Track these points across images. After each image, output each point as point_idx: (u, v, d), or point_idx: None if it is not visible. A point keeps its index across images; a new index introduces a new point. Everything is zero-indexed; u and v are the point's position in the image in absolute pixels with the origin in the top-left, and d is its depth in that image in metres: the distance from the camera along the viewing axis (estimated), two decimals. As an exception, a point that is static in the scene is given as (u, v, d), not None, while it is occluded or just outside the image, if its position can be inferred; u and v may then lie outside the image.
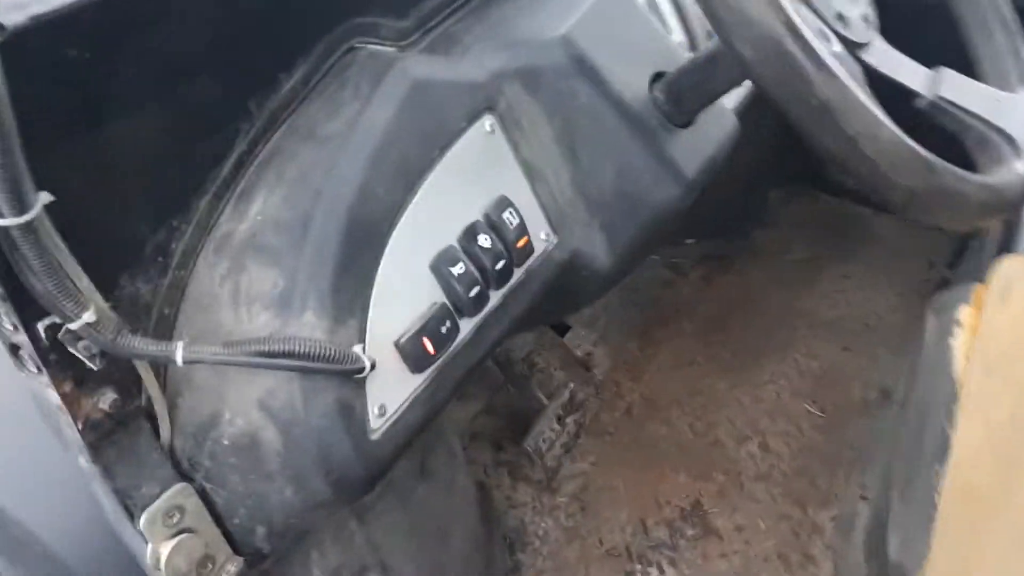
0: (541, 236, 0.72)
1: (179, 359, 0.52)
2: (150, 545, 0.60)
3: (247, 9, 0.57)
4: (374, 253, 0.59)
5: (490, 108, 0.69)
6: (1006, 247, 0.96)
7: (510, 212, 0.68)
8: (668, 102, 0.75)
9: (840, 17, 0.62)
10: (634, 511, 1.27)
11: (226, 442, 0.59)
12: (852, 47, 0.64)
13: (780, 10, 0.49)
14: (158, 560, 0.60)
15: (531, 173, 0.72)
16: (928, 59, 0.70)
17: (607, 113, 0.73)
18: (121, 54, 0.49)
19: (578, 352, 1.33)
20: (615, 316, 1.56)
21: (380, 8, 0.68)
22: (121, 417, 0.57)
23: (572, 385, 1.27)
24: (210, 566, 0.65)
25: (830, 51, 0.54)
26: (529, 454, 1.21)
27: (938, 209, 0.55)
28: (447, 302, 0.63)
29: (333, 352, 0.53)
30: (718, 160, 0.79)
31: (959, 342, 0.87)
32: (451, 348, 0.63)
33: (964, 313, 0.90)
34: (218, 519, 0.63)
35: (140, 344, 0.51)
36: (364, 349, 0.57)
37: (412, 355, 0.60)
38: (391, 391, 0.59)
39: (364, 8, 0.67)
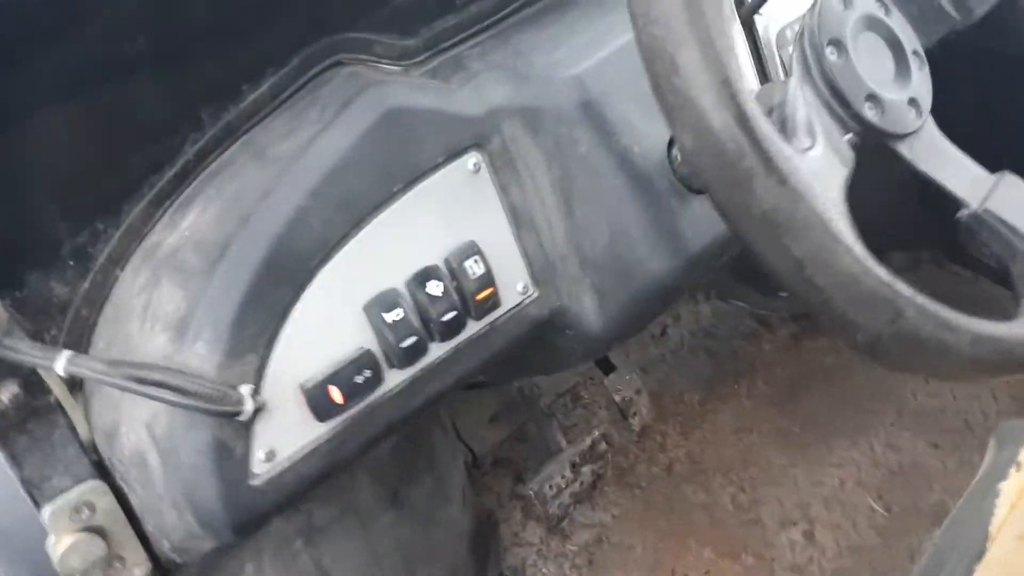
0: (517, 288, 0.66)
1: (59, 369, 0.50)
2: (51, 537, 0.60)
3: (202, 17, 0.54)
4: (293, 288, 0.55)
5: (478, 145, 0.64)
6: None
7: (475, 260, 0.62)
8: (686, 163, 0.67)
9: (873, 99, 0.52)
10: (645, 576, 1.18)
11: (126, 452, 0.57)
12: (881, 137, 0.54)
13: (731, 95, 0.41)
14: (54, 554, 0.60)
15: (519, 220, 0.66)
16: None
17: (608, 168, 0.66)
18: (33, 54, 0.47)
19: (617, 397, 1.25)
20: (683, 361, 1.47)
21: (376, 25, 0.64)
22: (32, 409, 0.57)
23: (597, 433, 1.20)
24: (118, 566, 0.64)
25: (796, 149, 0.45)
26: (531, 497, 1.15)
27: (912, 360, 0.45)
28: (375, 349, 0.59)
29: (210, 391, 0.50)
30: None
31: (1010, 487, 0.74)
32: (368, 399, 0.58)
33: (1027, 454, 0.77)
34: (134, 521, 0.62)
35: (22, 348, 0.50)
36: (257, 390, 0.53)
37: (317, 402, 0.56)
38: (286, 437, 0.56)
39: (354, 23, 0.63)
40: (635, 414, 1.27)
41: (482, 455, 1.25)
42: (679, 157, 0.67)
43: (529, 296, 0.67)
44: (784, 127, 0.48)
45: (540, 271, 0.67)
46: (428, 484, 0.95)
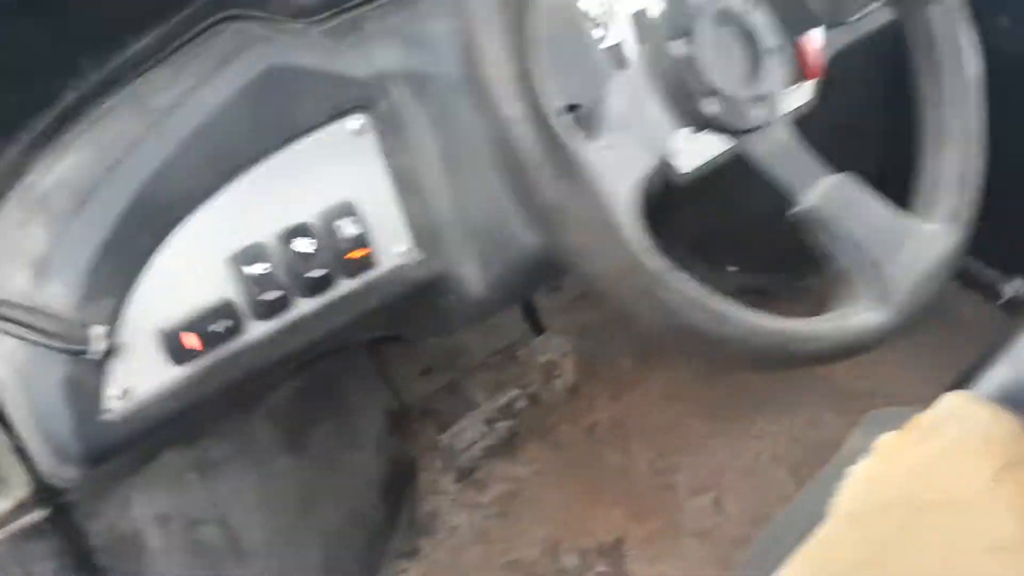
0: (398, 250, 0.69)
1: (-85, 299, 0.53)
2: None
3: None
4: (156, 236, 0.57)
5: (363, 107, 0.65)
6: (962, 378, 0.83)
7: (350, 220, 0.65)
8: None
9: (715, 94, 0.53)
10: (553, 530, 1.22)
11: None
12: (722, 131, 0.55)
13: (525, 88, 0.42)
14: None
15: (404, 183, 0.68)
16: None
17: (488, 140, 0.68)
18: None
19: (542, 358, 1.28)
20: (622, 328, 1.49)
21: None
22: None
23: (515, 391, 1.23)
24: (2, 487, 0.68)
25: (589, 144, 0.46)
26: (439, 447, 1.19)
27: (693, 351, 0.48)
28: (238, 300, 0.61)
29: (59, 329, 0.53)
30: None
31: (857, 471, 0.77)
32: (227, 347, 0.61)
33: (883, 441, 0.79)
34: (17, 446, 0.65)
35: None
36: (112, 331, 0.56)
37: (173, 346, 0.58)
38: (142, 377, 0.59)
39: (249, -21, 0.64)
40: (559, 376, 1.30)
41: (411, 405, 1.28)
42: None
43: (410, 259, 0.69)
44: (597, 120, 0.50)
45: (424, 235, 0.69)
46: (332, 429, 0.98)
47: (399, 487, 1.19)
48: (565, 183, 0.43)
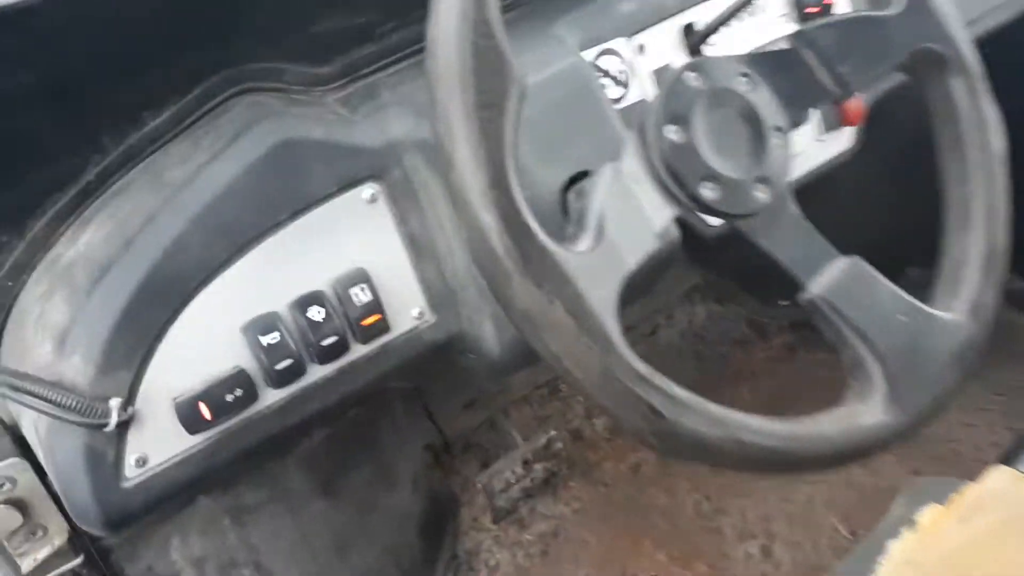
0: (412, 313, 0.69)
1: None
2: (-25, 509, 0.67)
3: (102, 50, 0.58)
4: (170, 309, 0.60)
5: (375, 176, 0.66)
6: (1013, 449, 0.78)
7: (362, 287, 0.65)
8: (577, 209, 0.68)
9: (712, 178, 0.52)
10: (594, 572, 1.21)
11: (28, 440, 0.64)
12: (720, 215, 0.54)
13: (497, 196, 0.42)
14: (-24, 525, 0.68)
15: (417, 248, 0.69)
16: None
17: (498, 206, 0.68)
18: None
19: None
20: (668, 362, 1.46)
21: (289, 54, 0.67)
22: None
23: (554, 433, 1.22)
24: (41, 534, 0.72)
25: (567, 249, 0.45)
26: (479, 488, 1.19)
27: (683, 454, 0.46)
28: (251, 369, 0.63)
29: (76, 404, 0.56)
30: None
31: (897, 547, 0.74)
32: (240, 416, 0.63)
33: (926, 515, 0.76)
34: (55, 496, 0.68)
35: None
36: (129, 403, 0.58)
37: (187, 416, 0.60)
38: (158, 445, 0.61)
39: (266, 53, 0.66)
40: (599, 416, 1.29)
41: (454, 439, 1.29)
42: (574, 199, 0.68)
43: (425, 321, 0.70)
44: (583, 217, 0.49)
45: (439, 297, 0.70)
46: (367, 472, 1.00)
47: (439, 523, 1.20)
48: (540, 292, 0.43)
